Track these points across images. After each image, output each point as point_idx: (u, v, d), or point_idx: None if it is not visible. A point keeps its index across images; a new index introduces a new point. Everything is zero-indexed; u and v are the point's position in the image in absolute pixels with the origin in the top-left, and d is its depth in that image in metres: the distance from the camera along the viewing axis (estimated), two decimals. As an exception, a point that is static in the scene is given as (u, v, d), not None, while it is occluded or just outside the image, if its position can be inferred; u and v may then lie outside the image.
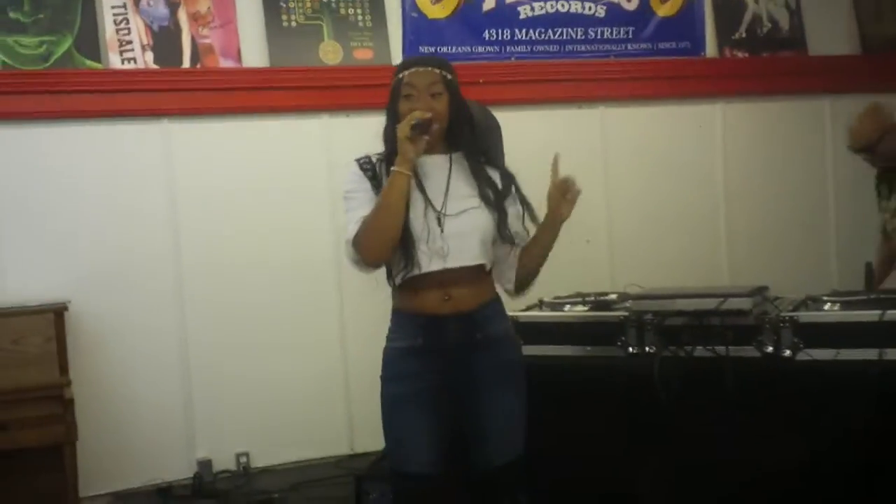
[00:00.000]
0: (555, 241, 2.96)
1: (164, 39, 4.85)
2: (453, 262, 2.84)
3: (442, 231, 2.82)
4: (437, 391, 2.88)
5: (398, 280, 2.89)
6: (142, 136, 4.85)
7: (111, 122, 4.79)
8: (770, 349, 3.21)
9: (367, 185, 2.87)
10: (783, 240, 6.00)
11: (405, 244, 2.82)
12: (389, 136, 2.89)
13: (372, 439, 4.93)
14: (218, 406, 4.95)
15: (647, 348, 3.38)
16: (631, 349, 3.41)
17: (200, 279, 4.92)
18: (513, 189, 2.96)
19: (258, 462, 5.01)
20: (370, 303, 5.14)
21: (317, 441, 5.11)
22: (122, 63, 4.77)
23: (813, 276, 5.70)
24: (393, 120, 2.87)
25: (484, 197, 2.88)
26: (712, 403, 3.15)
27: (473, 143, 2.95)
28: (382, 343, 5.11)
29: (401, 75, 2.88)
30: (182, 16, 4.89)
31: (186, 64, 4.89)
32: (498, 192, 2.91)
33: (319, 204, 5.13)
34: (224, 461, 4.94)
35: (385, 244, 2.81)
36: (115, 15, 4.76)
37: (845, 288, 4.15)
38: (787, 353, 3.18)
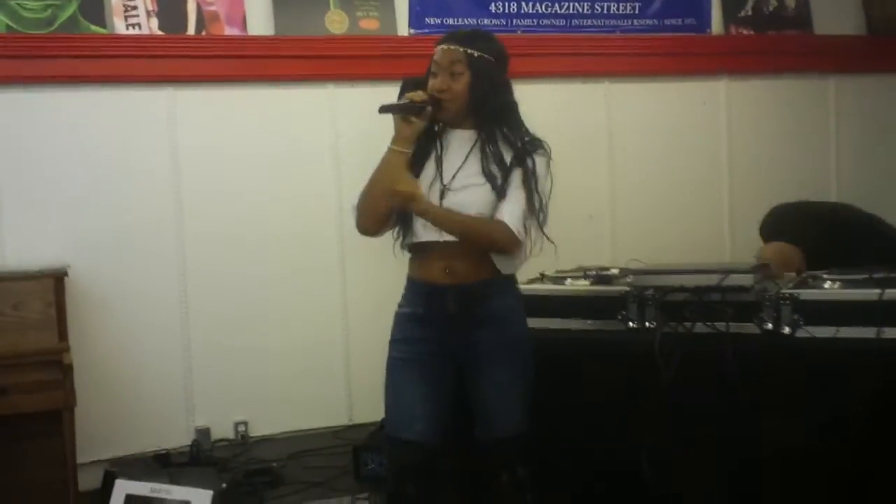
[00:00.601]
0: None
1: (170, 6, 4.82)
2: (449, 236, 2.89)
3: (440, 204, 2.87)
4: (437, 360, 2.94)
5: (398, 246, 3.02)
6: (146, 103, 4.83)
7: (115, 88, 4.77)
8: (770, 326, 3.22)
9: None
10: (785, 218, 5.99)
11: (405, 211, 2.91)
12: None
13: (371, 410, 4.94)
14: (217, 374, 4.96)
15: (647, 323, 3.39)
16: (631, 324, 3.42)
17: (203, 247, 4.92)
18: (521, 177, 2.91)
19: (256, 431, 5.02)
20: (373, 274, 5.20)
21: (315, 411, 5.12)
22: (127, 29, 4.75)
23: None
24: None
25: (488, 175, 2.88)
26: (712, 379, 3.16)
27: (498, 119, 2.93)
28: (385, 314, 5.11)
29: (434, 49, 2.96)
30: (187, -18, 4.87)
31: (191, 31, 4.87)
32: (504, 174, 2.90)
33: (324, 174, 5.13)
34: (222, 429, 4.96)
35: (373, 218, 2.94)
36: (120, -20, 4.74)
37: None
38: (787, 330, 3.20)
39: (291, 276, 5.08)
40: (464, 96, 2.88)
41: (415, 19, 5.27)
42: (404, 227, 2.94)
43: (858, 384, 3.03)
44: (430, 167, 2.92)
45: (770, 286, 3.34)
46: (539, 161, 2.94)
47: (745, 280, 3.25)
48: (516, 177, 2.90)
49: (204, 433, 4.89)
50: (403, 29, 5.26)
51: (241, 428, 4.98)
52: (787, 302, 3.19)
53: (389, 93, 4.51)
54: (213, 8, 4.91)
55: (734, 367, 3.13)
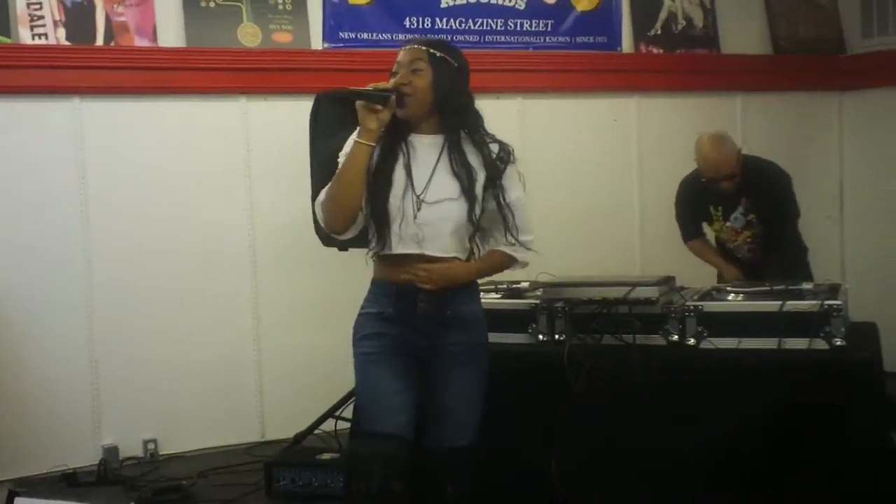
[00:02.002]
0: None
1: (78, 16, 4.75)
2: (427, 249, 2.84)
3: (415, 218, 2.80)
4: (407, 358, 2.87)
5: (371, 254, 2.92)
6: (52, 114, 4.75)
7: (19, 99, 4.68)
8: (675, 337, 3.28)
9: None
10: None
11: (378, 222, 2.83)
12: None
13: (283, 427, 4.93)
14: (125, 391, 4.87)
15: (557, 335, 3.42)
16: (541, 336, 3.46)
17: (110, 262, 4.84)
18: (501, 179, 2.90)
19: (166, 448, 4.95)
20: (286, 287, 5.17)
21: (227, 428, 5.07)
22: (33, 39, 4.66)
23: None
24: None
25: (463, 188, 2.83)
26: (621, 390, 3.20)
27: (463, 124, 2.88)
28: (296, 331, 5.17)
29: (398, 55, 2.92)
30: (96, -8, 4.79)
31: (100, 42, 4.79)
32: (473, 182, 2.84)
33: (236, 188, 5.10)
34: (131, 447, 4.87)
35: (340, 215, 2.84)
36: (26, -11, 4.65)
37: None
38: (692, 341, 3.26)
39: (202, 290, 5.02)
40: (425, 94, 2.82)
41: (329, 33, 5.27)
42: (380, 238, 2.84)
43: (761, 393, 3.10)
44: (399, 175, 2.82)
45: (675, 299, 3.41)
46: (512, 174, 2.94)
47: (651, 293, 3.31)
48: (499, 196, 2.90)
49: (112, 451, 4.79)
50: (317, 43, 5.25)
51: (151, 446, 4.90)
52: (692, 314, 3.26)
53: (303, 107, 4.52)
54: (122, 19, 4.84)
55: (641, 377, 3.17)
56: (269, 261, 5.17)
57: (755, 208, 4.54)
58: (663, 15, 6.17)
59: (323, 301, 5.16)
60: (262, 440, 5.11)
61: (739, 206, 4.55)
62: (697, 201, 4.70)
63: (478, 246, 2.96)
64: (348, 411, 4.10)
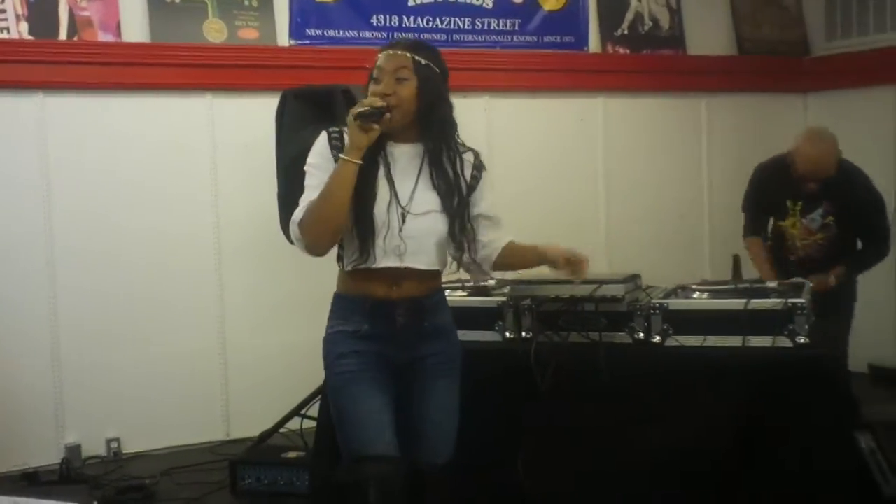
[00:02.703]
0: None
1: (41, 10, 4.69)
2: (409, 262, 2.73)
3: (401, 230, 2.70)
4: (385, 375, 2.75)
5: (349, 267, 2.75)
6: (14, 110, 4.70)
7: (-19, 94, 4.63)
8: (641, 335, 3.29)
9: (330, 160, 2.70)
10: (659, 230, 6.18)
11: (363, 234, 2.69)
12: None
13: (248, 425, 4.91)
14: (88, 389, 4.83)
15: (523, 333, 3.42)
16: (508, 334, 3.46)
17: (73, 259, 4.79)
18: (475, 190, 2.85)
19: (130, 447, 4.91)
20: (251, 285, 5.14)
21: (191, 426, 5.04)
22: (-6, 33, 4.61)
23: (686, 265, 5.89)
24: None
25: (445, 201, 2.76)
26: (587, 387, 3.21)
27: (444, 135, 2.77)
28: (261, 329, 5.14)
29: (377, 56, 2.75)
30: (60, -13, 4.74)
31: (63, 36, 4.74)
32: (461, 196, 2.78)
33: (201, 185, 5.07)
34: (94, 446, 4.83)
35: (327, 235, 2.68)
36: (-13, -18, 4.59)
37: (716, 278, 4.31)
38: (657, 339, 3.27)
39: (166, 288, 4.99)
40: (410, 104, 2.69)
41: (295, 30, 5.25)
42: (362, 252, 2.69)
43: (726, 391, 3.12)
44: (382, 185, 2.70)
45: (641, 296, 3.43)
46: (487, 180, 2.89)
47: (617, 291, 3.32)
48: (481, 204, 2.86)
49: (74, 450, 4.74)
50: (284, 40, 5.23)
51: (114, 444, 4.86)
52: (657, 312, 3.28)
53: (269, 103, 4.51)
54: (86, 13, 4.79)
55: (608, 375, 3.19)
56: (234, 258, 5.14)
57: (835, 211, 4.41)
58: (630, 16, 6.20)
59: (288, 299, 5.14)
60: (227, 439, 5.09)
61: (820, 207, 4.42)
62: (774, 191, 4.55)
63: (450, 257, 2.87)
64: (314, 410, 4.08)
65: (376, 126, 2.62)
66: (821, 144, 4.33)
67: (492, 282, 3.80)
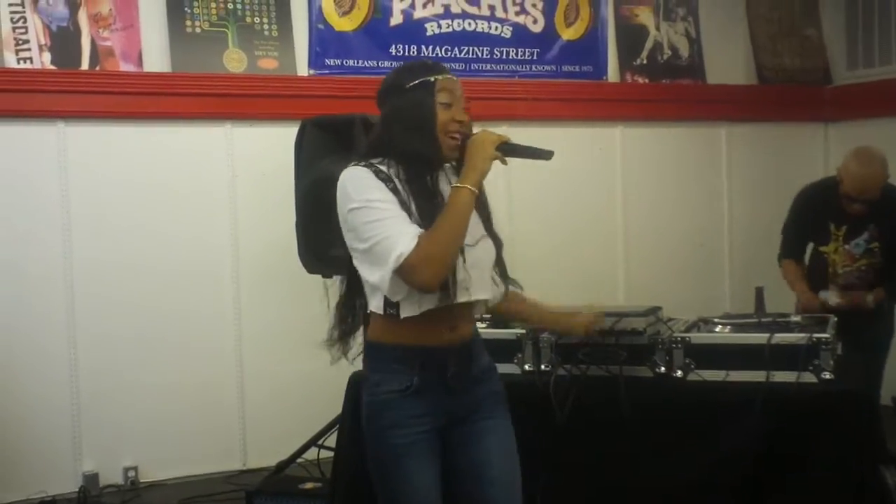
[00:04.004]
0: None
1: (63, 40, 4.73)
2: (476, 294, 2.57)
3: (465, 261, 2.50)
4: (437, 439, 2.57)
5: (410, 312, 2.50)
6: (36, 138, 4.73)
7: (4, 123, 4.66)
8: (662, 369, 3.25)
9: (391, 195, 2.46)
10: (678, 261, 6.14)
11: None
12: (418, 139, 2.51)
13: (265, 455, 4.89)
14: (106, 418, 4.83)
15: (542, 366, 3.39)
16: (527, 366, 3.42)
17: (92, 287, 4.80)
18: None
19: (147, 476, 4.90)
20: (269, 316, 5.13)
21: (208, 456, 5.03)
22: (18, 63, 4.63)
23: (706, 297, 5.85)
24: (432, 124, 2.51)
25: (486, 227, 2.63)
26: (607, 422, 3.17)
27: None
28: (279, 359, 5.12)
29: (433, 78, 2.54)
30: (82, 17, 4.77)
31: (85, 66, 4.78)
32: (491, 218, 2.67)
33: (219, 212, 5.08)
34: (111, 475, 4.82)
35: (448, 268, 2.44)
36: (11, 13, 4.62)
37: (737, 311, 4.27)
38: (679, 373, 3.23)
39: (184, 317, 4.98)
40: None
41: (314, 60, 5.26)
42: (444, 289, 2.47)
43: (748, 427, 3.08)
44: None
45: (663, 329, 3.39)
46: None
47: (638, 324, 3.28)
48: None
49: (92, 479, 4.74)
50: (303, 69, 5.25)
51: (131, 473, 4.85)
52: (679, 346, 3.24)
53: (288, 133, 4.51)
54: (108, 43, 4.82)
55: (628, 408, 3.15)
56: (252, 287, 5.14)
57: (881, 238, 4.31)
58: (649, 44, 6.20)
59: (306, 328, 5.05)
60: (244, 468, 5.07)
61: (866, 231, 4.31)
62: (818, 214, 4.43)
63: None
64: (331, 440, 4.05)
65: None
66: (869, 163, 4.22)
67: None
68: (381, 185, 2.46)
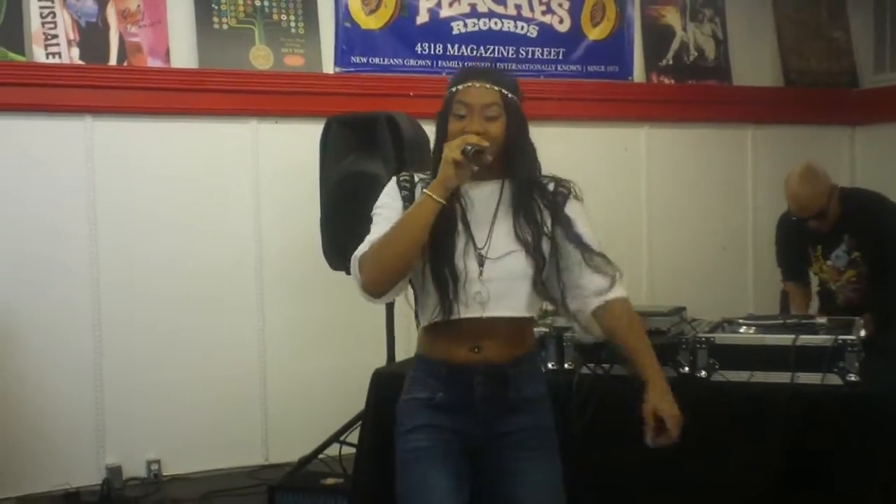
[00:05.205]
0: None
1: (92, 36, 4.77)
2: (493, 311, 2.45)
3: (481, 274, 2.43)
4: (461, 456, 2.49)
5: (424, 322, 2.50)
6: (63, 133, 4.76)
7: (32, 117, 4.69)
8: (686, 369, 3.24)
9: (398, 203, 2.48)
10: (702, 262, 6.12)
11: (441, 284, 2.42)
12: (435, 156, 2.48)
13: (287, 450, 4.91)
14: (130, 411, 4.85)
15: (565, 365, 3.39)
16: (550, 365, 3.42)
17: (117, 280, 4.83)
18: (572, 227, 2.56)
19: (169, 469, 4.92)
20: (292, 311, 5.15)
21: (231, 450, 5.04)
22: (47, 58, 4.67)
23: (730, 298, 5.83)
24: (441, 139, 2.47)
25: (521, 240, 2.48)
26: (630, 421, 3.16)
27: (528, 170, 2.53)
28: (302, 354, 5.14)
29: (454, 89, 2.49)
30: (111, 12, 4.81)
31: (113, 61, 4.81)
32: (546, 233, 2.51)
33: (244, 208, 5.10)
34: (134, 468, 4.85)
35: (390, 278, 2.40)
36: (41, 8, 4.66)
37: (761, 312, 4.25)
38: (703, 373, 3.22)
39: (209, 310, 5.01)
40: (499, 142, 2.42)
41: (340, 58, 5.28)
42: (442, 301, 2.42)
43: (772, 428, 3.07)
44: (459, 228, 2.46)
45: (686, 330, 3.38)
46: (575, 208, 2.62)
47: (662, 323, 3.28)
48: (580, 242, 2.56)
49: (115, 471, 4.76)
50: (329, 67, 5.26)
51: (154, 466, 4.87)
52: (703, 346, 3.22)
53: (313, 130, 4.52)
54: (136, 39, 4.85)
55: (650, 409, 3.14)
56: (275, 283, 5.16)
57: (860, 246, 4.23)
58: (675, 45, 6.18)
59: (329, 325, 5.14)
60: (266, 463, 5.09)
61: (842, 244, 4.26)
62: (794, 241, 4.42)
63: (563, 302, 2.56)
64: (353, 436, 4.07)
65: (476, 168, 2.38)
66: (801, 182, 4.16)
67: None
68: (394, 192, 2.51)
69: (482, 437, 2.49)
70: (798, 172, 4.19)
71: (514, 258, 2.46)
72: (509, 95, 2.46)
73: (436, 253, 2.43)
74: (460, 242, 2.45)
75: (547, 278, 2.51)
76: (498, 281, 2.45)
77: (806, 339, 3.14)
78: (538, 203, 2.53)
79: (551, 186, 2.60)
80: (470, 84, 2.47)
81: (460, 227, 2.46)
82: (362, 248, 2.44)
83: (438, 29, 5.51)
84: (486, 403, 2.47)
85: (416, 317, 2.56)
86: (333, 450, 4.53)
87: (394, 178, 2.57)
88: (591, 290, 2.58)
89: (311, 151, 4.49)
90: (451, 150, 2.36)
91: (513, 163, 2.49)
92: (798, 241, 4.41)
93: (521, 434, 2.50)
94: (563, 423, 3.14)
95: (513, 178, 2.50)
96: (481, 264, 2.44)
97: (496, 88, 2.46)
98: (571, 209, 2.60)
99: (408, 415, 2.53)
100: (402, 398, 2.56)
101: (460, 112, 2.45)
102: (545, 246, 2.51)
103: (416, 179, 2.53)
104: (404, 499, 2.51)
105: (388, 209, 2.49)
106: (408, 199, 2.48)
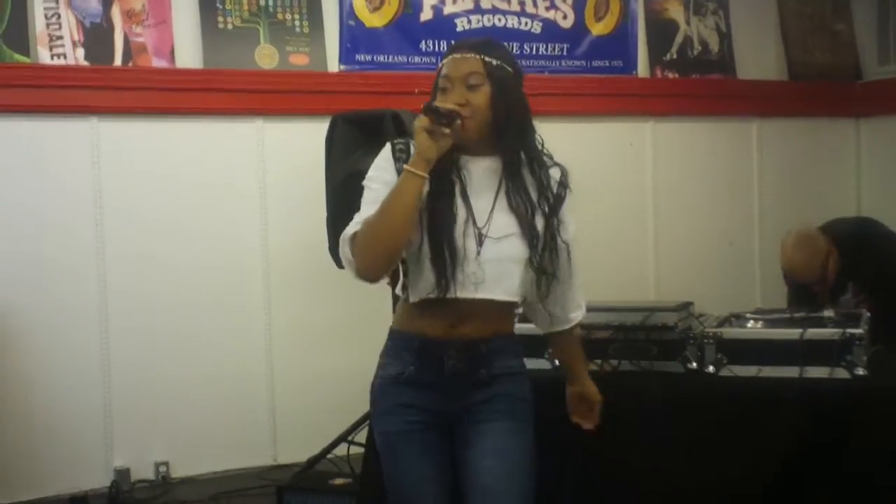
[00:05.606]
0: None
1: (96, 36, 4.77)
2: (486, 293, 2.41)
3: (478, 254, 2.37)
4: (438, 432, 2.46)
5: (414, 298, 2.42)
6: (69, 134, 4.77)
7: (38, 119, 4.70)
8: (694, 364, 3.24)
9: (391, 176, 2.38)
10: (709, 257, 6.12)
11: (439, 261, 2.35)
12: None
13: (295, 450, 4.91)
14: (138, 413, 4.86)
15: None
16: (557, 362, 3.41)
17: (124, 282, 4.84)
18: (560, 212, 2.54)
19: (178, 472, 4.92)
20: (299, 311, 5.15)
21: (239, 451, 5.05)
22: (52, 59, 4.68)
23: (737, 293, 5.82)
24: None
25: (522, 222, 2.43)
26: (638, 417, 3.16)
27: (522, 143, 2.45)
28: (309, 354, 5.14)
29: (440, 64, 2.44)
30: (115, 13, 4.81)
31: (118, 62, 4.81)
32: (544, 216, 2.48)
33: (250, 207, 5.10)
34: (143, 470, 4.85)
35: (382, 258, 2.35)
36: (46, 9, 4.67)
37: (768, 306, 4.24)
38: (711, 368, 3.21)
39: (215, 311, 5.01)
40: (484, 113, 2.36)
41: (345, 56, 5.28)
42: (439, 280, 2.35)
43: (780, 422, 3.06)
44: (458, 203, 2.39)
45: (694, 325, 3.38)
46: (571, 207, 2.63)
47: (669, 319, 3.27)
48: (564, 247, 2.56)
49: (123, 474, 4.77)
50: (334, 65, 5.26)
51: (163, 469, 4.88)
52: (711, 341, 3.22)
53: (319, 128, 4.52)
54: (140, 39, 4.86)
55: (659, 405, 3.14)
56: (283, 282, 5.16)
57: (865, 288, 4.11)
58: (679, 39, 6.17)
59: (337, 324, 5.14)
60: (274, 464, 5.09)
61: (846, 292, 4.13)
62: (800, 288, 4.28)
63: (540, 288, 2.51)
64: (361, 436, 4.07)
65: (447, 131, 2.30)
66: (796, 247, 4.09)
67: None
68: (388, 162, 2.42)
69: (454, 412, 2.46)
70: (793, 237, 4.12)
71: (512, 241, 2.42)
72: (494, 63, 2.39)
73: (434, 229, 2.37)
74: (460, 218, 2.39)
75: (533, 263, 2.46)
76: (494, 262, 2.40)
77: (813, 332, 3.13)
78: (539, 181, 2.49)
79: (555, 173, 2.57)
80: (452, 56, 2.43)
81: (459, 200, 2.40)
82: (352, 227, 2.38)
83: (442, 26, 5.50)
84: (455, 379, 2.43)
85: (403, 289, 2.47)
86: (342, 449, 4.53)
87: (388, 144, 2.46)
88: (567, 309, 2.69)
89: (317, 150, 4.50)
90: (419, 120, 2.31)
91: (503, 134, 2.41)
92: (803, 289, 4.27)
93: (488, 403, 2.46)
94: (570, 419, 3.16)
95: (507, 151, 2.43)
96: (480, 244, 2.39)
97: (477, 57, 2.39)
98: (569, 207, 2.61)
99: (380, 396, 2.50)
100: (376, 374, 2.52)
101: (443, 85, 2.41)
102: (539, 222, 2.47)
103: (413, 145, 2.40)
104: (387, 485, 2.51)
105: (378, 182, 2.40)
106: (400, 171, 2.38)
